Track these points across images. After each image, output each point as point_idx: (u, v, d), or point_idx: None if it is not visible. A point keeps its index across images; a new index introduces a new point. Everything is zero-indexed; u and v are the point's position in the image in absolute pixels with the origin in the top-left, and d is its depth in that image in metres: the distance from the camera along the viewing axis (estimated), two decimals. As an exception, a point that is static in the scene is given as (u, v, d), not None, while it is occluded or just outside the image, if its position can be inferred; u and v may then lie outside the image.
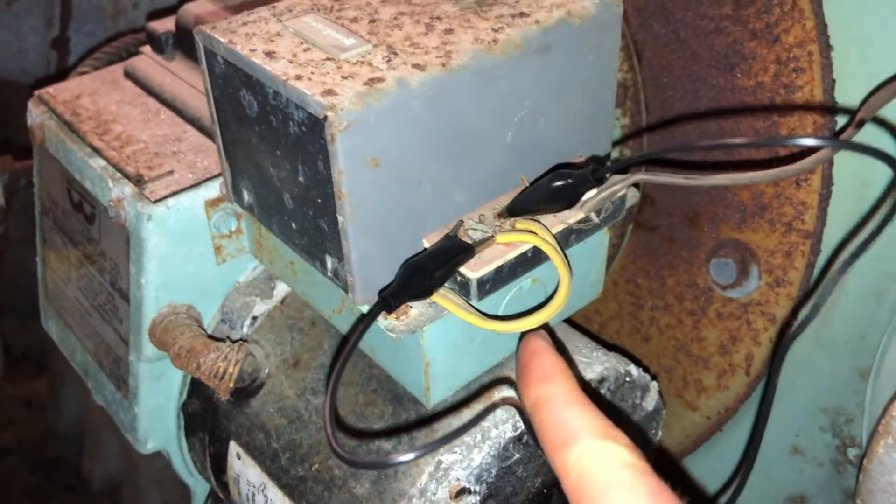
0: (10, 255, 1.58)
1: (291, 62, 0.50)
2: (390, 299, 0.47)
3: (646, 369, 0.68)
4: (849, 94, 0.68)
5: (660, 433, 0.73)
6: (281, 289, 0.70)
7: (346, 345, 0.43)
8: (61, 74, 0.78)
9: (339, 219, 0.49)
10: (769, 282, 0.77)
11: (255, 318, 0.69)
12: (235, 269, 0.71)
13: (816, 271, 0.73)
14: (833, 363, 0.75)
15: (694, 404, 0.85)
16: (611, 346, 0.68)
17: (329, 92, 0.47)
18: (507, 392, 0.59)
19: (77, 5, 1.30)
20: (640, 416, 0.68)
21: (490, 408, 0.37)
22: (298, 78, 0.48)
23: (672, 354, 0.86)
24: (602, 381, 0.63)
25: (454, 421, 0.58)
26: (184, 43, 0.78)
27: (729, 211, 0.77)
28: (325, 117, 0.46)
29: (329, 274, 0.54)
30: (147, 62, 0.79)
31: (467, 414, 0.58)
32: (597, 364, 0.63)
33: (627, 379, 0.65)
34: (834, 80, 0.68)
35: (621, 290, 0.88)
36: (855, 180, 0.70)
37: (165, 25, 0.79)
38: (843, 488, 0.77)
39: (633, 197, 0.61)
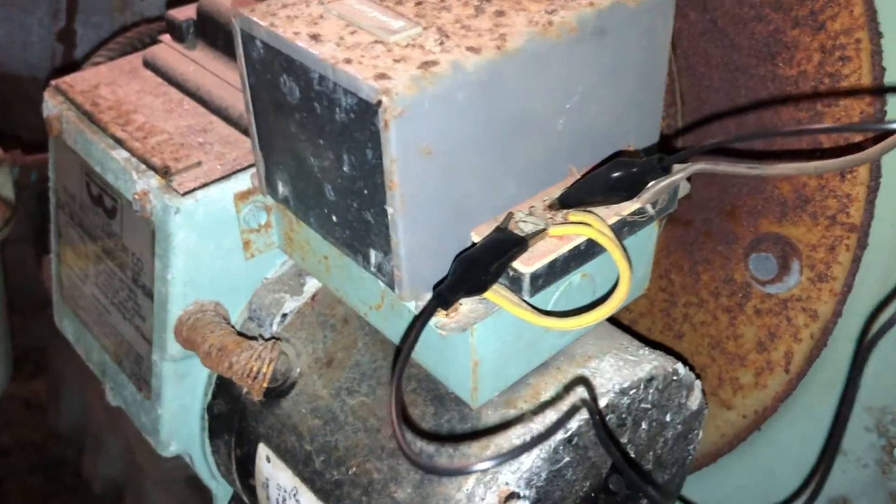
0: (10, 253, 1.55)
1: (338, 45, 0.47)
2: (446, 295, 0.45)
3: (690, 368, 0.66)
4: (901, 82, 0.66)
5: (701, 433, 0.71)
6: (311, 285, 0.68)
7: (406, 342, 0.41)
8: (68, 67, 0.76)
9: (389, 210, 0.47)
10: (811, 277, 0.74)
11: (284, 316, 0.67)
12: (264, 265, 0.68)
13: (863, 266, 0.71)
14: (880, 360, 0.73)
15: (729, 403, 0.83)
16: (654, 345, 0.66)
17: (382, 76, 0.44)
18: (578, 391, 0.57)
19: (83, -3, 1.27)
20: (685, 416, 0.66)
21: (572, 410, 0.35)
22: (348, 61, 0.46)
23: (706, 352, 0.83)
24: (651, 380, 0.60)
25: (500, 417, 0.55)
26: (206, 31, 0.75)
27: (769, 204, 0.75)
28: (379, 102, 0.43)
29: (373, 269, 0.52)
30: (167, 51, 0.76)
31: (515, 412, 0.56)
32: (645, 363, 0.61)
33: (675, 378, 0.63)
34: (884, 69, 0.66)
35: (653, 285, 0.86)
36: (903, 170, 0.67)
37: (186, 13, 0.77)
38: (888, 489, 0.75)
39: (684, 188, 0.58)
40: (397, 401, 0.35)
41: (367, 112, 0.45)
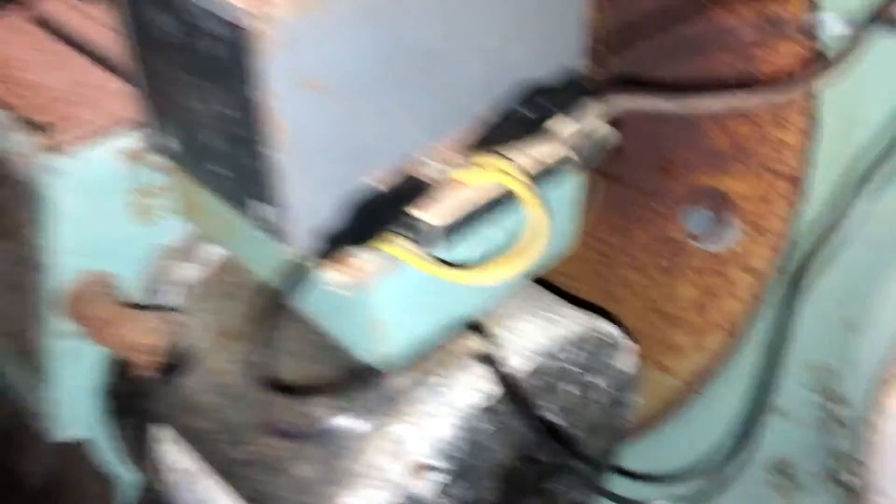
0: None
1: (211, -31, 0.42)
2: (332, 246, 0.40)
3: (624, 330, 0.62)
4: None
5: (636, 398, 0.68)
6: (216, 252, 0.63)
7: (280, 298, 0.36)
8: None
9: (273, 155, 0.42)
10: (747, 231, 0.71)
11: (185, 286, 0.62)
12: (162, 232, 0.62)
13: (802, 219, 0.68)
14: (816, 315, 0.70)
15: (669, 367, 0.79)
16: (587, 306, 0.62)
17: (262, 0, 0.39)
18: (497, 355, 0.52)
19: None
20: (618, 380, 0.62)
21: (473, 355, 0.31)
22: (219, -15, 0.40)
23: (644, 315, 0.80)
24: (579, 341, 0.56)
25: (409, 384, 0.51)
26: (96, -19, 0.69)
27: (703, 156, 0.71)
28: (256, 29, 0.38)
29: (260, 222, 0.47)
30: (57, 5, 0.70)
31: (425, 381, 0.51)
32: (572, 323, 0.57)
33: (606, 340, 0.59)
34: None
35: (587, 248, 0.82)
36: (843, 117, 0.64)
37: (75, -37, 0.71)
38: (828, 449, 0.72)
39: (612, 137, 0.54)
40: (260, 365, 0.30)
41: (245, 42, 0.40)
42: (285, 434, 0.30)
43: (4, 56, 0.66)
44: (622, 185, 0.77)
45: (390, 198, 0.43)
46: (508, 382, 0.45)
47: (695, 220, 0.73)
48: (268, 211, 0.45)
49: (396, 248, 0.45)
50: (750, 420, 0.72)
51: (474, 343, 0.52)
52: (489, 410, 0.52)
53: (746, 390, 0.76)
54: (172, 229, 0.63)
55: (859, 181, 0.62)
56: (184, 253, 0.63)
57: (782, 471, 0.76)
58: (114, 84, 0.63)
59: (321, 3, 0.40)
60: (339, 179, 0.44)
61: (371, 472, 0.49)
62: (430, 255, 0.46)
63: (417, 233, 0.46)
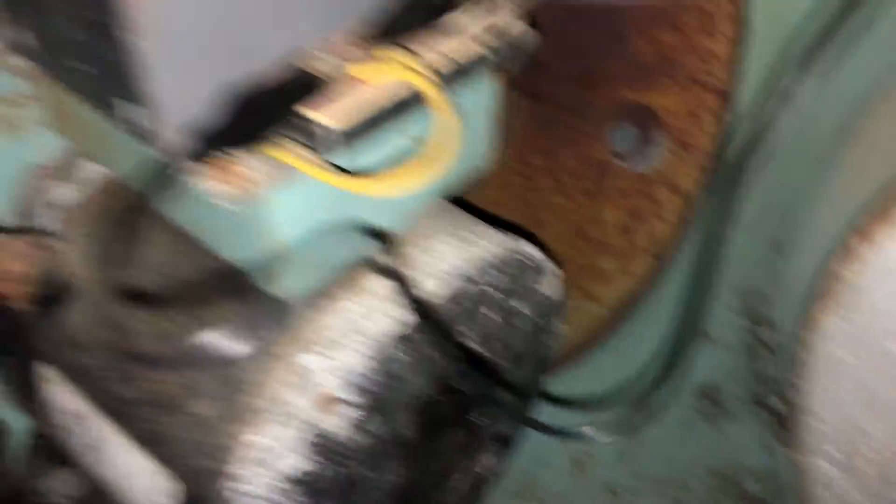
0: None
1: None
2: (209, 148, 0.34)
3: (547, 253, 0.58)
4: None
5: (560, 325, 0.64)
6: (91, 170, 0.56)
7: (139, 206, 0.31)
8: None
9: (133, 41, 0.36)
10: (673, 149, 0.68)
11: (59, 208, 0.55)
12: (32, 148, 0.56)
13: (730, 135, 0.65)
14: (744, 237, 0.67)
15: (594, 294, 0.76)
16: (509, 227, 0.58)
17: None
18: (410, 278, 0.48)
19: None
20: (542, 306, 0.59)
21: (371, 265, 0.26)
22: None
23: (568, 241, 0.76)
24: (499, 263, 0.52)
25: (312, 309, 0.46)
26: None
27: (627, 68, 0.67)
28: None
29: (124, 123, 0.41)
30: None
31: (332, 306, 0.47)
32: (492, 245, 0.52)
33: (528, 262, 0.55)
34: None
35: (509, 171, 0.78)
36: (777, 24, 0.61)
37: None
38: (755, 373, 0.71)
39: (530, 36, 0.49)
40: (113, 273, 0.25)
41: None
42: (145, 359, 0.25)
43: None
44: (545, 103, 0.73)
45: (278, 94, 0.38)
46: (422, 306, 0.41)
47: (620, 137, 0.69)
48: (134, 110, 0.39)
49: (289, 154, 0.39)
50: (677, 346, 0.70)
51: (382, 260, 0.47)
52: (404, 339, 0.47)
53: (674, 316, 0.73)
54: (45, 145, 0.56)
55: (784, 94, 0.59)
56: (59, 171, 0.56)
57: (709, 396, 0.75)
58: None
59: None
60: (215, 71, 0.39)
61: (275, 406, 0.44)
62: (327, 162, 0.41)
63: (313, 137, 0.40)
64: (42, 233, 0.54)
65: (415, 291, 0.45)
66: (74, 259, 0.54)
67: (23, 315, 0.56)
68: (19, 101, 0.53)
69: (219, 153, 0.36)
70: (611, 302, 0.76)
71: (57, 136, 0.56)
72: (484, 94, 0.50)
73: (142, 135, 0.40)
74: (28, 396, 0.60)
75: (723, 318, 0.71)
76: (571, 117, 0.72)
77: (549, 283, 0.59)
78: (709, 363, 0.72)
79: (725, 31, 0.62)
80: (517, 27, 0.46)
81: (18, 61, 0.51)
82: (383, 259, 0.49)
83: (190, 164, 0.39)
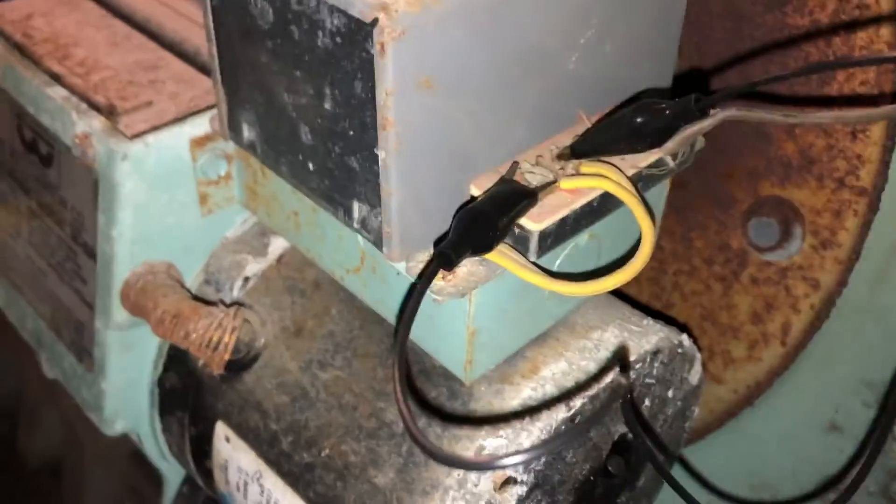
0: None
1: (323, -44, 0.40)
2: (450, 253, 0.38)
3: (693, 340, 0.61)
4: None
5: (697, 409, 0.66)
6: (277, 245, 0.60)
7: (408, 307, 0.34)
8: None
9: (381, 154, 0.40)
10: (814, 244, 0.69)
11: (246, 279, 0.60)
12: (223, 222, 0.60)
13: (872, 232, 0.66)
14: (882, 332, 0.69)
15: (720, 377, 0.78)
16: (653, 314, 0.60)
17: (378, -10, 0.37)
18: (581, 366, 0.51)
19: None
20: (686, 392, 0.61)
21: (612, 395, 0.29)
22: (335, -27, 0.38)
23: (697, 323, 0.78)
24: (657, 353, 0.55)
25: (493, 393, 0.49)
26: (156, -43, 0.66)
27: (771, 166, 0.70)
28: (375, 21, 0.36)
29: (356, 224, 0.45)
30: (111, -20, 0.67)
31: (512, 388, 0.50)
32: (651, 334, 0.55)
33: (679, 351, 0.58)
34: (907, 18, 0.61)
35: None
36: (923, 131, 0.63)
37: (133, -62, 0.68)
38: (887, 468, 0.71)
39: (701, 142, 0.52)
40: (401, 374, 0.29)
41: (358, 34, 0.37)
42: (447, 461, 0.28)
43: (56, 30, 0.64)
44: (684, 190, 0.75)
45: (499, 203, 0.41)
46: (624, 393, 0.43)
47: (759, 229, 0.72)
48: (365, 211, 0.43)
49: (497, 254, 0.43)
50: (798, 436, 0.71)
51: (559, 352, 0.50)
52: (572, 422, 0.50)
53: (803, 406, 0.74)
54: (230, 219, 0.61)
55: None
56: (243, 244, 0.61)
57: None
58: (176, 65, 0.61)
59: (439, -4, 0.38)
60: (443, 183, 0.43)
61: (460, 485, 0.47)
62: (528, 261, 0.44)
63: (515, 239, 0.44)
64: (235, 303, 0.58)
65: (630, 398, 0.47)
66: (256, 328, 0.58)
67: (202, 376, 0.60)
68: (215, 180, 0.58)
69: (455, 253, 0.39)
70: (737, 386, 0.77)
71: (243, 212, 0.61)
72: (659, 196, 0.53)
73: (368, 232, 0.44)
74: (194, 451, 0.64)
75: (854, 411, 0.72)
76: (711, 207, 0.74)
77: (696, 371, 0.61)
78: (838, 456, 0.73)
79: (874, 137, 0.64)
80: (701, 140, 0.49)
81: (222, 147, 0.56)
82: (558, 349, 0.52)
83: (413, 264, 0.42)
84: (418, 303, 0.35)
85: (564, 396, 0.49)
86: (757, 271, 0.73)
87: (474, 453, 0.48)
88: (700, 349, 0.67)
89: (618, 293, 0.64)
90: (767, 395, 0.76)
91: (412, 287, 0.42)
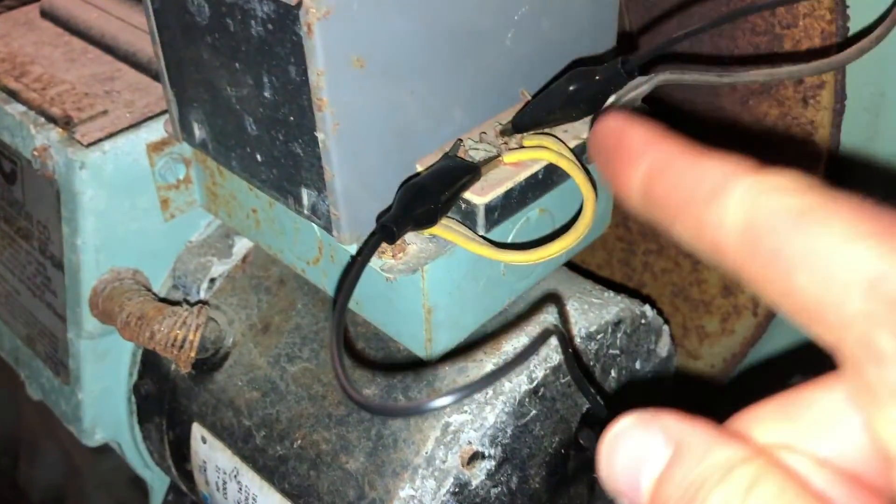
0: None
1: (250, -53, 0.41)
2: (392, 227, 0.39)
3: (658, 312, 0.61)
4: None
5: (670, 382, 0.67)
6: (241, 246, 0.61)
7: (347, 278, 0.35)
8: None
9: (320, 136, 0.41)
10: (776, 212, 0.70)
11: (212, 281, 0.60)
12: (185, 226, 0.61)
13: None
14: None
15: (696, 353, 0.79)
16: (618, 289, 0.61)
17: (302, -26, 0.38)
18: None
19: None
20: (655, 363, 0.62)
21: (543, 335, 0.29)
22: (261, -38, 0.39)
23: (669, 301, 0.79)
24: (618, 323, 0.55)
25: (456, 371, 0.50)
26: (109, -27, 0.67)
27: (729, 138, 0.71)
28: (300, 3, 0.37)
29: (306, 211, 0.46)
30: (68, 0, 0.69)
31: (475, 365, 0.50)
32: (611, 305, 0.56)
33: (643, 321, 0.58)
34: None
35: (610, 234, 0.81)
36: (870, 92, 0.64)
37: (86, -44, 0.69)
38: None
39: (643, 108, 0.53)
40: (338, 337, 0.29)
41: (286, 18, 0.38)
42: (378, 411, 0.29)
43: (14, 50, 0.65)
44: (646, 169, 0.76)
45: (441, 177, 0.42)
46: (564, 350, 0.44)
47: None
48: (314, 197, 0.44)
49: (444, 229, 0.43)
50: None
51: (520, 326, 0.51)
52: (536, 394, 0.51)
53: (778, 373, 0.75)
54: (194, 223, 0.62)
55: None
56: (207, 246, 0.62)
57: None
58: (131, 75, 0.62)
59: (366, -22, 0.39)
60: (387, 163, 0.43)
61: (428, 462, 0.48)
62: (477, 235, 0.45)
63: (462, 214, 0.45)
64: (200, 302, 0.59)
65: (570, 344, 0.48)
66: (223, 326, 0.59)
67: (176, 379, 0.61)
68: (174, 184, 0.58)
69: (388, 233, 0.40)
70: (714, 360, 0.78)
71: (204, 214, 0.61)
72: (607, 169, 0.54)
73: (317, 217, 0.45)
74: (174, 455, 0.64)
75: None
76: (672, 183, 0.75)
77: (664, 343, 0.62)
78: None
79: (824, 101, 0.65)
80: (640, 105, 0.50)
81: (179, 150, 0.57)
82: (519, 323, 0.52)
83: (370, 235, 0.43)
84: (360, 271, 0.36)
85: (526, 369, 0.50)
86: (723, 244, 0.74)
87: (440, 431, 0.49)
88: (667, 323, 0.68)
89: (590, 276, 0.65)
90: (743, 367, 0.76)
91: (351, 261, 0.42)
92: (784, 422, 0.23)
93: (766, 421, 0.23)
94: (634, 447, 0.24)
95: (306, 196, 0.45)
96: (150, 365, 0.63)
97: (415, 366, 0.52)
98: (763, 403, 0.23)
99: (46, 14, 0.69)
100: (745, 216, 0.23)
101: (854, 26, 0.63)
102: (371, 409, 0.28)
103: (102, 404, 0.63)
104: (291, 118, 0.42)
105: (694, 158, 0.25)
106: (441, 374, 0.51)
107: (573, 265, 0.69)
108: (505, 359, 0.51)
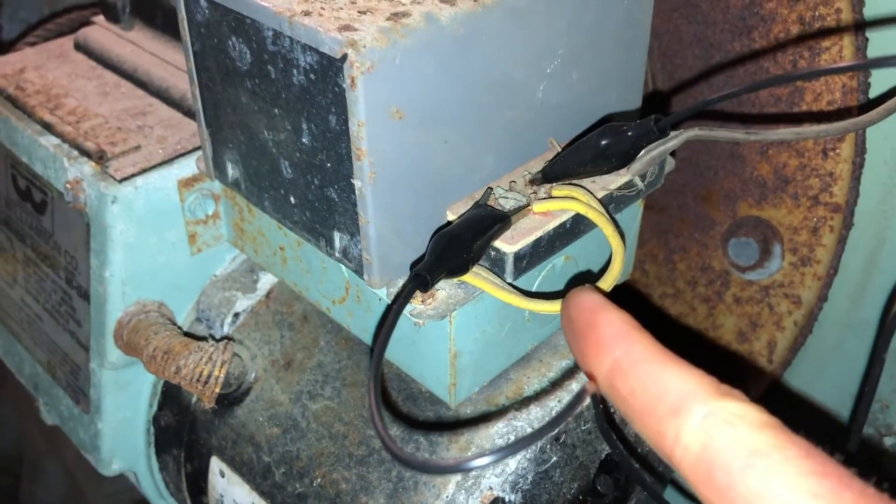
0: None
1: (295, -2, 0.42)
2: (426, 275, 0.40)
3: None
4: (884, 51, 0.63)
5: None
6: (265, 281, 0.62)
7: (384, 326, 0.35)
8: (-7, 64, 0.69)
9: (357, 183, 0.42)
10: (793, 261, 0.71)
11: (236, 315, 0.61)
12: (211, 261, 0.62)
13: (848, 247, 0.68)
14: (865, 346, 0.70)
15: (710, 398, 0.79)
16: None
17: (347, 27, 0.39)
18: (565, 385, 0.52)
19: (10, -9, 1.19)
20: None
21: (580, 396, 0.30)
22: (306, 14, 0.40)
23: (684, 345, 0.79)
24: (639, 371, 0.56)
25: (484, 416, 0.50)
26: (143, 9, 0.69)
27: (747, 187, 0.72)
28: (345, 56, 0.38)
29: (338, 254, 0.47)
30: (101, 32, 0.70)
31: (496, 409, 0.51)
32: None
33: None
34: (867, 39, 0.63)
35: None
36: (889, 146, 0.65)
37: (120, -8, 0.70)
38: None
39: (670, 163, 0.54)
40: (376, 392, 0.30)
41: (330, 69, 0.39)
42: (420, 468, 0.30)
43: (48, 82, 0.66)
44: (665, 214, 0.77)
45: (472, 226, 0.43)
46: (595, 404, 0.45)
47: (738, 249, 0.73)
48: (346, 241, 0.45)
49: (474, 277, 0.44)
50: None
51: (542, 373, 0.52)
52: (557, 441, 0.51)
53: (791, 421, 0.75)
54: (219, 257, 0.63)
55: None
56: (232, 281, 0.62)
57: None
58: (163, 111, 0.63)
59: (405, 31, 0.40)
60: (419, 210, 0.44)
61: (447, 506, 0.48)
62: (505, 283, 0.45)
63: (491, 261, 0.45)
64: (225, 338, 0.59)
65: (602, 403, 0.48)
66: (246, 362, 0.59)
67: (196, 412, 0.61)
68: (203, 220, 0.59)
69: (431, 275, 0.41)
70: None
71: (231, 250, 0.62)
72: (633, 217, 0.55)
73: (350, 260, 0.45)
74: (190, 487, 0.64)
75: (842, 426, 0.72)
76: (691, 229, 0.76)
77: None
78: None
79: (844, 154, 0.66)
80: (670, 161, 0.51)
81: (208, 187, 0.58)
82: (542, 370, 0.53)
83: (393, 290, 0.44)
84: (394, 322, 0.36)
85: (549, 415, 0.50)
86: (740, 291, 0.75)
87: (461, 476, 0.49)
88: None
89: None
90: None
91: (387, 309, 0.43)
92: None
93: None
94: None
95: (338, 239, 0.46)
96: (171, 397, 0.63)
97: (437, 407, 0.52)
98: None
99: (80, 47, 0.70)
100: (702, 444, 0.26)
101: (875, 81, 0.64)
102: (413, 466, 0.28)
103: (121, 434, 0.64)
104: (328, 164, 0.43)
105: (658, 366, 0.28)
106: (464, 418, 0.51)
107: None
108: (526, 405, 0.51)
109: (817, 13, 0.64)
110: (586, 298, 0.33)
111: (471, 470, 0.28)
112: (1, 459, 1.59)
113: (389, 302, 0.45)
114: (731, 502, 0.25)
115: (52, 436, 1.33)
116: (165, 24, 0.67)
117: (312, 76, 0.41)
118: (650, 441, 0.28)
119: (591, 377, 0.30)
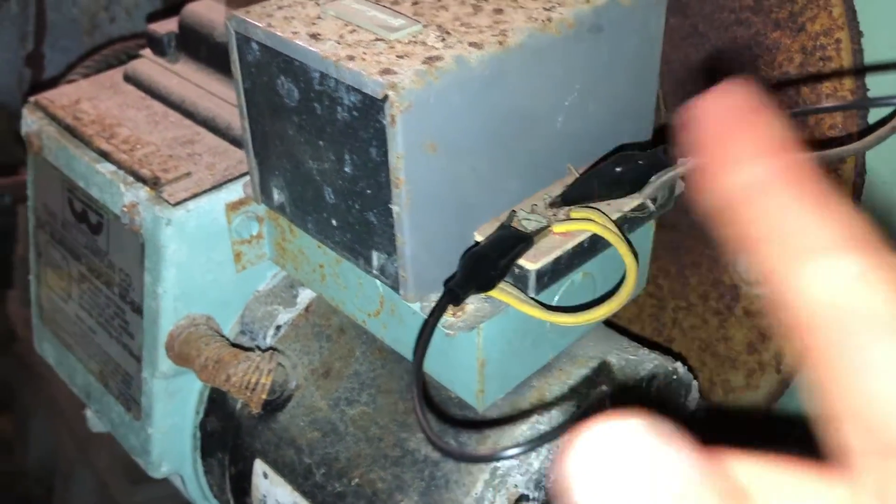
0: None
1: (339, 43, 0.47)
2: (458, 290, 0.44)
3: (688, 368, 0.66)
4: (881, 82, 0.67)
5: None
6: (304, 296, 0.67)
7: (422, 338, 0.40)
8: (36, 91, 0.74)
9: (395, 209, 0.46)
10: (799, 276, 0.75)
11: (278, 328, 0.66)
12: (255, 277, 0.67)
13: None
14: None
15: (721, 406, 0.83)
16: (651, 346, 0.66)
17: (387, 71, 0.44)
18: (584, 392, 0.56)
19: (52, 21, 1.25)
20: (682, 418, 0.66)
21: (600, 402, 0.34)
22: (350, 58, 0.45)
23: (697, 356, 0.83)
24: (652, 378, 0.60)
25: (510, 422, 0.55)
26: (189, 44, 0.74)
27: (755, 205, 0.76)
28: (386, 97, 0.43)
29: (375, 271, 0.51)
30: (149, 65, 0.75)
31: (523, 418, 0.55)
32: (646, 362, 0.60)
33: (674, 377, 0.63)
34: (866, 68, 0.67)
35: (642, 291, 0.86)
36: (889, 167, 0.69)
37: (167, 27, 0.76)
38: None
39: (680, 186, 0.58)
40: (418, 390, 0.34)
41: (372, 108, 0.44)
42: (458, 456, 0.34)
43: (101, 112, 0.71)
44: (676, 231, 0.81)
45: (498, 246, 0.47)
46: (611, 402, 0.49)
47: (748, 265, 0.77)
48: (383, 259, 0.50)
49: (501, 292, 0.49)
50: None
51: (562, 380, 0.56)
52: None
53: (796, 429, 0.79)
54: (262, 274, 0.68)
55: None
56: (273, 296, 0.67)
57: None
58: (209, 139, 0.68)
59: (439, 73, 0.44)
60: (450, 231, 0.49)
61: (478, 503, 0.52)
62: (528, 297, 0.50)
63: (515, 278, 0.50)
64: (270, 349, 0.64)
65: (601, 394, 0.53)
66: (288, 370, 0.64)
67: (241, 417, 0.66)
68: (247, 240, 0.64)
69: (462, 290, 0.45)
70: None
71: (272, 268, 0.67)
72: (645, 236, 0.60)
73: (387, 277, 0.50)
74: (234, 489, 0.69)
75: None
76: (702, 246, 0.80)
77: (692, 397, 0.66)
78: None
79: (845, 174, 0.70)
80: (680, 184, 0.55)
81: (254, 209, 0.63)
82: (562, 378, 0.57)
83: (427, 304, 0.48)
84: (431, 332, 0.41)
85: (569, 420, 0.55)
86: (749, 304, 0.79)
87: (489, 474, 0.53)
88: (696, 378, 0.73)
89: (622, 331, 0.70)
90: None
91: (425, 322, 0.48)
92: (778, 495, 0.20)
93: (759, 479, 0.21)
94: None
95: (376, 258, 0.51)
96: (217, 404, 0.68)
97: (465, 412, 0.57)
98: (763, 460, 0.21)
99: (129, 79, 0.75)
100: (840, 301, 0.21)
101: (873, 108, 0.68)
102: (454, 456, 0.33)
103: (170, 439, 0.68)
104: (368, 191, 0.48)
105: (808, 199, 0.22)
106: (491, 421, 0.56)
107: (607, 319, 0.74)
108: (548, 409, 0.55)
109: (818, 43, 0.69)
110: (736, 95, 0.24)
111: (506, 458, 0.32)
112: (35, 470, 1.65)
113: (423, 314, 0.50)
114: (850, 366, 0.20)
115: (84, 446, 1.38)
116: (210, 58, 0.72)
117: (356, 113, 0.46)
118: (758, 277, 0.23)
119: (703, 187, 0.23)
